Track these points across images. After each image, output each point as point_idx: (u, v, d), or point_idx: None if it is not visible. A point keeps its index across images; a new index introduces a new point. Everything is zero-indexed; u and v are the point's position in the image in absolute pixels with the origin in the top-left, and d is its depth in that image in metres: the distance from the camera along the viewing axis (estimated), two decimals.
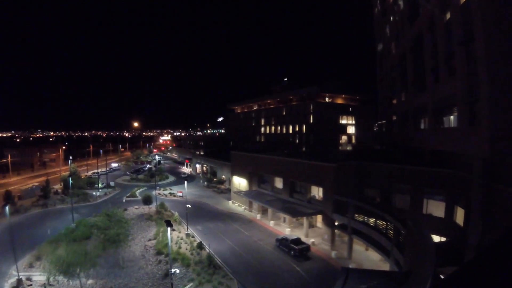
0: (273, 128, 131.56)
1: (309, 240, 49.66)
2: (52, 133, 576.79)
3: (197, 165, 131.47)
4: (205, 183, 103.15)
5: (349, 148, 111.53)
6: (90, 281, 37.48)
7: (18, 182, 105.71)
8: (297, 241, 46.80)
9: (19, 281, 36.61)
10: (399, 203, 43.28)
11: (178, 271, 35.13)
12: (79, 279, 35.07)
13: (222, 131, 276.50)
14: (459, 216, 33.98)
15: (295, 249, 44.96)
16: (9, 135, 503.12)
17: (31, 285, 37.12)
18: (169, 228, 31.34)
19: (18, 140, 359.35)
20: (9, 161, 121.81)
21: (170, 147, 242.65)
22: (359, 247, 47.42)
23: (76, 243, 45.34)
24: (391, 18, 57.49)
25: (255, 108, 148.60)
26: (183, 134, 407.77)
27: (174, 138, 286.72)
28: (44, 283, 36.65)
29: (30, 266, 41.70)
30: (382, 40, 65.30)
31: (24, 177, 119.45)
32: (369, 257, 45.00)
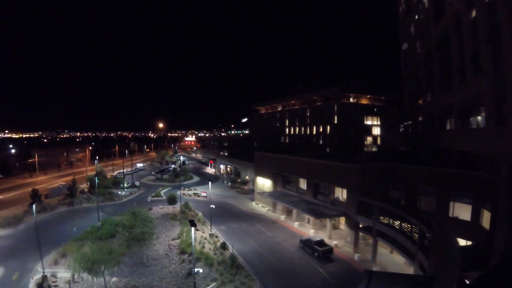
0: (297, 129, 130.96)
1: (332, 242, 49.32)
2: (78, 133, 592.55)
3: (221, 166, 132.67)
4: (229, 183, 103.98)
5: (374, 149, 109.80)
6: (114, 279, 38.34)
7: (45, 181, 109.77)
8: (321, 242, 46.64)
9: (44, 277, 37.64)
10: (425, 206, 42.42)
11: (201, 270, 35.78)
12: (103, 277, 35.54)
13: (246, 131, 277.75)
14: (486, 219, 32.96)
15: (319, 250, 44.86)
16: (36, 135, 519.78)
17: (55, 281, 38.17)
18: (193, 228, 31.70)
19: (45, 140, 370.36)
20: (36, 160, 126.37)
21: (195, 148, 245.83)
22: (383, 249, 46.66)
23: (101, 241, 47.06)
24: (416, 17, 56.31)
25: (279, 108, 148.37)
26: (207, 135, 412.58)
27: (199, 139, 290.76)
28: (69, 280, 37.55)
29: (55, 263, 42.95)
30: (407, 39, 64.02)
31: (51, 176, 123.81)
32: (393, 260, 44.28)
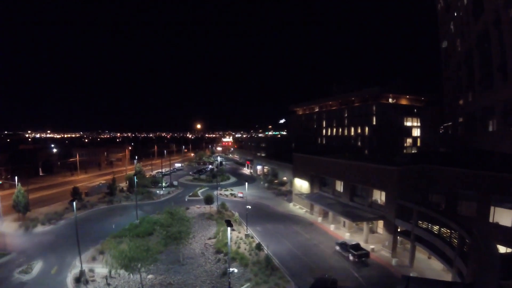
0: (334, 130, 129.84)
1: (369, 246, 48.76)
2: (118, 134, 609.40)
3: (258, 167, 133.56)
4: (266, 184, 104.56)
5: (413, 151, 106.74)
6: (150, 276, 39.46)
7: (85, 180, 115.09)
8: (357, 246, 46.23)
9: (82, 272, 39.22)
10: (465, 210, 41.03)
11: (236, 270, 36.32)
12: (139, 274, 36.15)
13: (284, 132, 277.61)
14: None
15: (354, 254, 44.48)
16: (78, 135, 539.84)
17: (93, 276, 39.58)
18: (229, 228, 32.44)
19: (86, 140, 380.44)
20: (78, 160, 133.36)
21: (232, 149, 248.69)
22: (421, 255, 45.60)
23: (138, 238, 48.77)
24: (455, 14, 54.49)
25: (316, 109, 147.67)
26: (244, 136, 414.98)
27: (236, 140, 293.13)
28: (106, 276, 38.85)
29: (93, 259, 44.74)
30: (446, 37, 62.03)
31: (91, 175, 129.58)
32: (431, 266, 43.15)
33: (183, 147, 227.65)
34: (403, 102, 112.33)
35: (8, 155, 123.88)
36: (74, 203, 44.52)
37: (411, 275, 37.89)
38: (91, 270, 40.85)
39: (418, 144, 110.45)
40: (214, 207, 71.74)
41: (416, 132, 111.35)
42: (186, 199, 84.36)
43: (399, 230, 47.24)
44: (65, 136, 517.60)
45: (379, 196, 53.63)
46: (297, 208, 74.95)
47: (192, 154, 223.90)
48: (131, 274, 36.71)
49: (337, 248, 48.51)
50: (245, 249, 48.55)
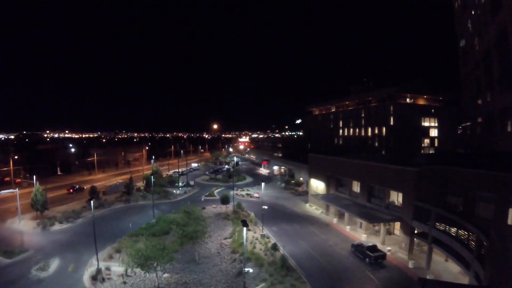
0: (351, 130, 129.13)
1: (386, 248, 48.42)
2: (136, 134, 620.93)
3: (275, 167, 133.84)
4: (282, 185, 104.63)
5: (431, 151, 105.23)
6: (165, 275, 39.89)
7: (103, 179, 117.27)
8: (373, 248, 45.96)
9: (99, 270, 39.54)
10: (483, 212, 40.26)
11: (251, 270, 36.42)
12: (155, 272, 36.67)
13: (300, 133, 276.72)
14: None
15: (371, 256, 44.26)
16: (95, 135, 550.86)
17: (109, 274, 40.00)
18: (244, 228, 32.74)
19: (104, 140, 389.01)
20: (95, 159, 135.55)
21: (248, 149, 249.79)
22: (438, 257, 45.17)
23: (155, 237, 49.24)
24: (472, 12, 53.59)
25: (332, 110, 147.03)
26: (261, 136, 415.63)
27: (252, 140, 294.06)
28: (122, 274, 39.34)
29: (110, 257, 45.33)
30: (464, 36, 61.05)
31: (109, 174, 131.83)
32: (448, 269, 42.62)
33: (200, 147, 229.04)
34: (421, 102, 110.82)
35: (26, 155, 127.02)
36: (92, 202, 45.09)
37: (427, 277, 37.58)
38: (108, 268, 41.40)
39: (436, 144, 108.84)
40: (230, 207, 72.24)
41: (434, 133, 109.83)
42: (203, 199, 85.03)
43: (416, 232, 46.91)
44: (83, 136, 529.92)
45: (396, 197, 53.22)
46: (313, 209, 74.97)
47: (209, 154, 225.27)
48: (147, 273, 37.04)
49: (353, 249, 48.37)
50: (260, 249, 48.72)
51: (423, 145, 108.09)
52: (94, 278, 39.03)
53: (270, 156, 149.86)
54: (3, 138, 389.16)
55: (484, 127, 51.14)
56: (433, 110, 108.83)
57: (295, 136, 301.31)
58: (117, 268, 41.59)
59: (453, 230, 39.62)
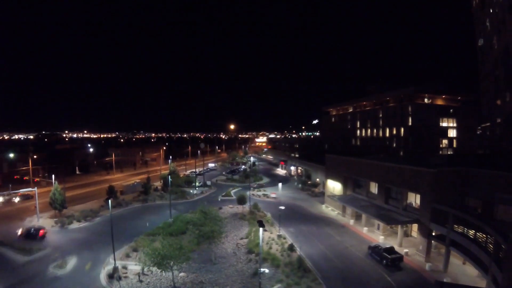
0: (368, 131, 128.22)
1: (403, 250, 48.21)
2: (153, 134, 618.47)
3: (292, 168, 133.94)
4: (299, 185, 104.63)
5: (450, 152, 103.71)
6: (182, 274, 40.48)
7: (121, 179, 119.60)
8: (390, 250, 45.91)
9: (115, 268, 40.41)
10: (502, 215, 39.85)
11: (267, 271, 36.83)
12: (171, 271, 37.16)
13: (317, 133, 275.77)
14: None
15: (388, 258, 44.16)
16: (113, 136, 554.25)
17: (126, 273, 40.76)
18: (261, 228, 33.14)
19: (122, 140, 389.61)
20: (113, 159, 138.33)
21: (265, 149, 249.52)
22: (456, 260, 44.83)
23: (172, 237, 50.19)
24: (491, 11, 52.85)
25: (350, 110, 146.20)
26: (278, 136, 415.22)
27: (269, 140, 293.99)
28: (138, 273, 40.13)
29: (127, 256, 46.32)
30: (482, 35, 60.18)
31: (126, 174, 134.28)
32: (465, 272, 42.33)
33: (217, 147, 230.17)
34: (439, 102, 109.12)
35: (45, 155, 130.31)
36: (110, 201, 45.84)
37: (444, 280, 37.50)
38: (124, 267, 42.22)
39: (455, 145, 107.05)
40: (246, 207, 72.68)
41: (452, 133, 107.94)
42: (219, 199, 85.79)
43: (433, 234, 46.62)
44: (101, 136, 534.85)
45: (414, 199, 52.92)
46: (329, 210, 75.03)
47: (226, 155, 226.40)
48: (163, 272, 37.76)
49: (370, 251, 48.36)
50: (277, 250, 48.93)
51: (441, 145, 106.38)
52: (111, 276, 39.97)
53: (287, 156, 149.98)
54: (22, 138, 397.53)
55: (503, 127, 50.43)
56: (451, 111, 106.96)
57: (312, 136, 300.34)
58: (133, 266, 42.52)
59: (471, 232, 39.19)
